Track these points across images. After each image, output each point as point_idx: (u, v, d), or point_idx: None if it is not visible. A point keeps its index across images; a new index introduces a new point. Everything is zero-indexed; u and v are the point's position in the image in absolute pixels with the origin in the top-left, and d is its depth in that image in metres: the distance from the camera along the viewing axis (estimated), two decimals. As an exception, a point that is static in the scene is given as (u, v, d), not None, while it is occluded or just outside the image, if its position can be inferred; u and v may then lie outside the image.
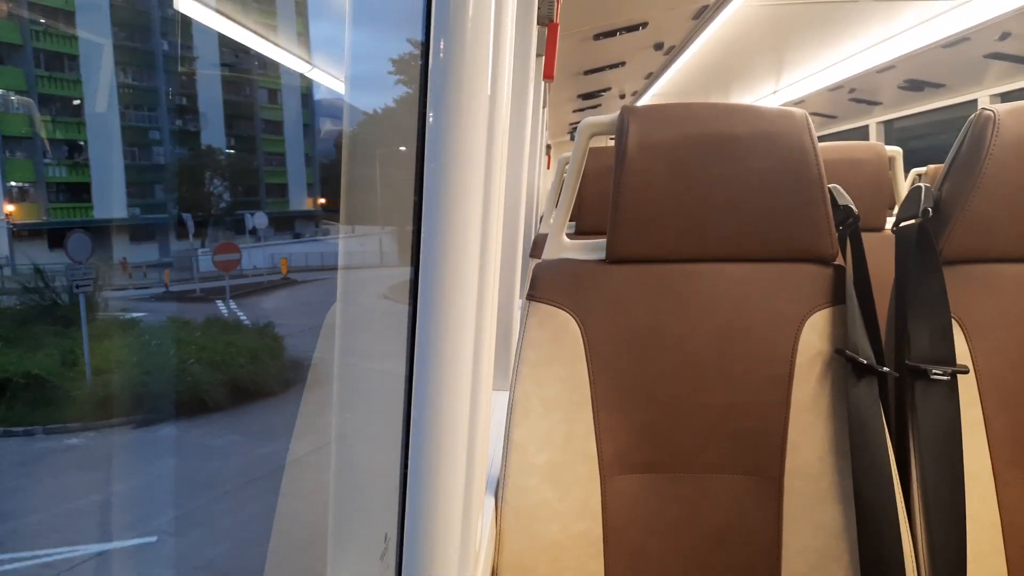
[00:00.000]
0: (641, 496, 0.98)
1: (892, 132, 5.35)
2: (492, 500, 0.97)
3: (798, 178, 1.01)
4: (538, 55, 1.89)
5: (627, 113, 1.04)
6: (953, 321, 1.00)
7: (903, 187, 2.07)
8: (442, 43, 0.53)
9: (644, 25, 3.09)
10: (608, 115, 1.10)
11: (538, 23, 1.63)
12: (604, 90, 4.99)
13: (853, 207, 1.11)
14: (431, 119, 0.54)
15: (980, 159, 1.00)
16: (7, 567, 4.83)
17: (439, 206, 0.55)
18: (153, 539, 5.16)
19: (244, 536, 4.85)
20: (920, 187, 1.08)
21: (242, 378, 7.33)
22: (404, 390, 0.58)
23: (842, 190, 1.13)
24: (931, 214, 1.05)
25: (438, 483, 0.58)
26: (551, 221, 1.24)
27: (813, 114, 4.60)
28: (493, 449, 1.00)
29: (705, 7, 2.93)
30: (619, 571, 0.96)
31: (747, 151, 1.02)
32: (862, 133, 5.52)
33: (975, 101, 4.06)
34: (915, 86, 4.23)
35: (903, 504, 0.92)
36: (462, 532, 0.70)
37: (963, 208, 1.02)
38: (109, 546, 5.02)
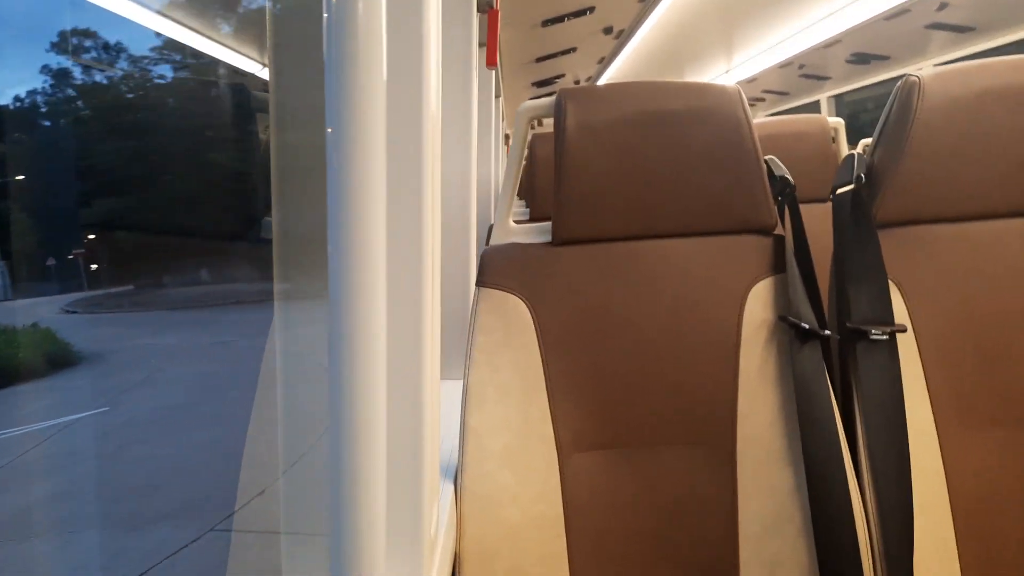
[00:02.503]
0: (599, 474, 0.99)
1: (843, 106, 5.44)
2: (452, 488, 0.97)
3: (735, 151, 1.02)
4: (481, 44, 1.88)
5: (564, 96, 1.05)
6: (890, 283, 1.03)
7: None
8: (336, 27, 0.52)
9: (591, 10, 3.09)
10: (546, 99, 1.10)
11: (478, 10, 1.62)
12: (558, 77, 4.99)
13: (789, 177, 1.13)
14: (329, 114, 0.54)
15: (908, 124, 1.02)
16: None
17: (340, 201, 0.54)
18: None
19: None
20: (853, 155, 1.11)
21: (50, 353, 9.57)
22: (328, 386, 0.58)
23: (778, 161, 1.14)
24: (864, 180, 1.07)
25: (362, 477, 0.58)
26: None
27: (766, 91, 4.67)
28: (454, 437, 1.00)
29: (650, -11, 2.94)
30: (581, 549, 0.96)
31: (684, 127, 1.03)
32: (815, 108, 5.60)
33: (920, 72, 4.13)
34: (861, 59, 4.29)
35: (851, 461, 0.95)
36: (413, 521, 0.70)
37: (894, 172, 1.04)
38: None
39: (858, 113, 5.42)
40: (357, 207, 0.54)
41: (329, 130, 0.54)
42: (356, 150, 0.53)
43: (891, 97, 1.06)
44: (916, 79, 1.03)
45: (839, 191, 1.09)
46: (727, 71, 5.53)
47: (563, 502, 0.97)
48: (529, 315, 1.02)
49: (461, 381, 1.02)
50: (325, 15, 0.52)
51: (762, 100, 6.19)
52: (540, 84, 5.09)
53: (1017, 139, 1.02)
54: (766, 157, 1.10)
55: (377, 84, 0.54)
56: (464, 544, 0.94)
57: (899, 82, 1.05)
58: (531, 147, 2.48)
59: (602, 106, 1.04)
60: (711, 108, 1.03)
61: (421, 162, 0.66)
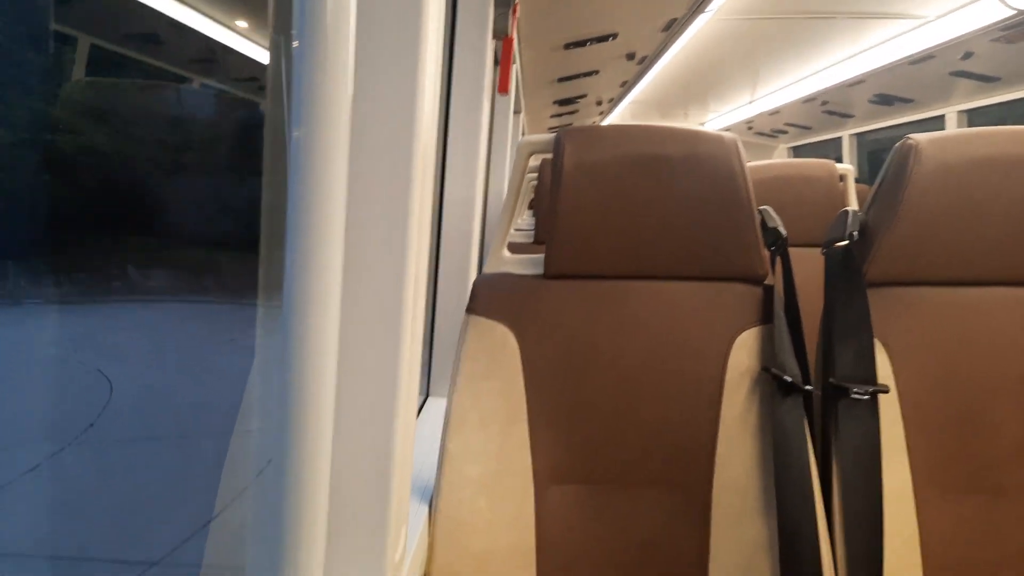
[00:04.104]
0: (574, 509, 0.99)
1: (864, 144, 5.42)
2: (427, 510, 0.98)
3: (728, 200, 1.03)
4: (497, 64, 1.91)
5: (563, 136, 1.06)
6: (876, 342, 1.03)
7: (854, 204, 2.11)
8: (300, 43, 0.54)
9: (614, 36, 3.11)
10: (545, 135, 1.12)
11: (494, 37, 1.64)
12: (580, 97, 5.02)
13: (782, 229, 1.13)
14: (293, 127, 0.55)
15: (902, 186, 1.03)
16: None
17: (298, 207, 0.55)
18: None
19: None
20: (847, 211, 1.11)
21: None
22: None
23: (772, 212, 1.15)
24: (856, 238, 1.07)
25: (304, 503, 0.59)
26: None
27: (789, 124, 4.65)
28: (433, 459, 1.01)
29: (674, 20, 2.96)
30: None
31: (679, 173, 1.04)
32: (837, 143, 5.59)
33: (943, 116, 4.12)
34: (885, 100, 4.29)
35: (824, 519, 0.94)
36: (375, 542, 0.71)
37: (886, 233, 1.04)
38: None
39: (879, 152, 5.40)
40: (316, 215, 0.54)
41: (295, 133, 0.55)
42: (318, 158, 0.54)
43: (888, 158, 1.07)
44: (913, 142, 1.03)
45: (832, 246, 1.10)
46: (750, 101, 5.54)
47: (536, 534, 0.97)
48: (515, 345, 1.03)
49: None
50: (297, 19, 0.54)
51: (784, 132, 6.19)
52: (562, 103, 5.12)
53: (1009, 209, 1.02)
54: (760, 207, 1.11)
55: (343, 96, 0.55)
56: (433, 569, 0.95)
57: (896, 144, 1.06)
58: (541, 171, 2.50)
59: (599, 148, 1.05)
60: (706, 156, 1.04)
61: (408, 183, 0.67)
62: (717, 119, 6.52)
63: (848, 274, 1.06)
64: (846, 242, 1.08)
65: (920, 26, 3.07)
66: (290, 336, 0.56)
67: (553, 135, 1.08)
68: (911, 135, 1.05)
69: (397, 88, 0.66)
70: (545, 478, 0.99)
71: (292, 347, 0.56)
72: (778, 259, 1.15)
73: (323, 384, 0.58)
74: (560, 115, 5.80)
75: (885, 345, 1.03)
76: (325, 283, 0.56)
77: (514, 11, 1.64)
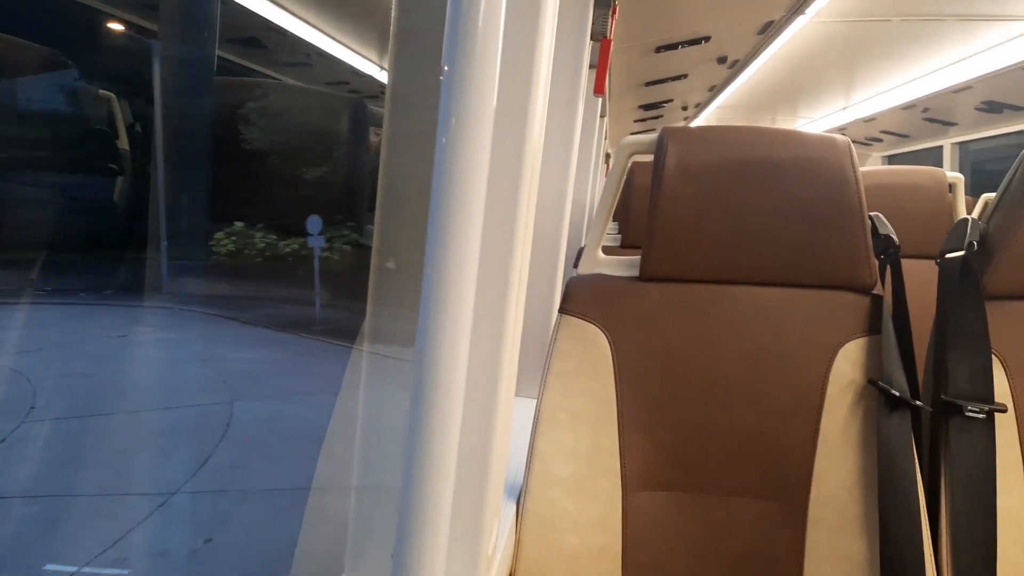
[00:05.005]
0: (663, 514, 0.99)
1: (968, 154, 5.14)
2: (514, 507, 0.99)
3: (838, 206, 1.00)
4: (591, 67, 1.90)
5: (666, 134, 1.05)
6: (994, 358, 0.98)
7: (963, 214, 2.01)
8: (452, 59, 0.56)
9: (707, 39, 3.06)
10: (648, 135, 1.11)
11: (592, 39, 1.64)
12: (666, 101, 4.95)
13: (894, 236, 1.09)
14: (442, 131, 0.57)
15: None
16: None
17: (440, 213, 0.57)
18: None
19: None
20: (967, 219, 1.06)
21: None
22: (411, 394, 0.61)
23: (884, 219, 1.11)
24: (975, 248, 1.02)
25: (433, 489, 0.60)
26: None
27: (885, 132, 4.47)
28: (523, 455, 1.02)
29: (770, 23, 2.89)
30: None
31: (786, 176, 1.01)
32: (936, 153, 5.33)
33: (1058, 126, 3.87)
34: (994, 108, 4.05)
35: (930, 542, 0.90)
36: (473, 537, 0.73)
37: (1010, 243, 0.99)
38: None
39: (984, 162, 5.11)
40: (456, 220, 0.57)
41: (442, 139, 0.57)
42: (462, 163, 0.56)
43: (1015, 163, 1.02)
44: None
45: (947, 256, 1.05)
46: (844, 108, 5.34)
47: (623, 537, 0.97)
48: (608, 347, 1.03)
49: (534, 401, 1.04)
50: (448, 24, 0.56)
51: (879, 140, 5.94)
52: (647, 107, 5.06)
53: None
54: (871, 214, 1.07)
55: (487, 106, 0.57)
56: (520, 565, 0.96)
57: None
58: (629, 174, 2.48)
59: (703, 148, 1.04)
60: (817, 159, 1.01)
61: (518, 185, 0.69)
62: (807, 125, 6.31)
63: (965, 286, 1.01)
64: (963, 252, 1.03)
65: (1038, 28, 2.89)
66: (428, 335, 0.58)
67: (654, 135, 1.08)
68: None
69: (516, 97, 0.68)
70: (633, 481, 0.99)
71: (431, 345, 0.58)
72: (887, 268, 1.11)
73: (455, 380, 0.59)
74: (644, 120, 5.74)
75: (1003, 362, 0.98)
76: (462, 286, 0.58)
77: (613, 12, 1.64)
